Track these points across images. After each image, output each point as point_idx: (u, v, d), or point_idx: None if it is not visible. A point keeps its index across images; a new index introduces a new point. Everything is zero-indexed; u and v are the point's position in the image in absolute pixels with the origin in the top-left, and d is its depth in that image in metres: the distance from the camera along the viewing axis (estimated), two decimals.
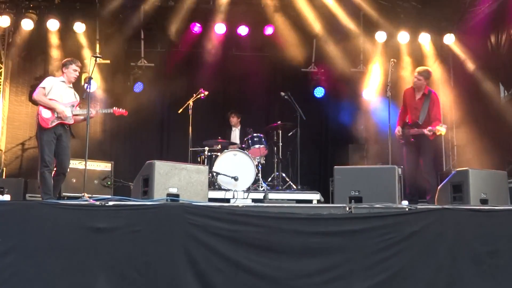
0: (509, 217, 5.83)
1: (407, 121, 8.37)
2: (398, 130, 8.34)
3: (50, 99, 7.61)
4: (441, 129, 7.82)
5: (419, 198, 8.14)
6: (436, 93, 8.47)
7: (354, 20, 11.48)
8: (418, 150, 8.19)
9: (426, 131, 7.89)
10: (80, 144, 8.18)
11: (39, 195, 9.26)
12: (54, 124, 7.53)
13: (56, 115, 7.58)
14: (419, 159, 8.17)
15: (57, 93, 7.70)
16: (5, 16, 10.73)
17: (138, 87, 11.77)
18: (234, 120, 11.17)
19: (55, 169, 7.59)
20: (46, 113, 7.55)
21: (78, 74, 7.97)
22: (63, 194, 8.97)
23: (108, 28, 11.39)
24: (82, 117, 7.90)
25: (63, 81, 7.83)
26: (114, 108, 8.18)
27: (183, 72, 11.93)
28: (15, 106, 11.53)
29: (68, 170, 7.90)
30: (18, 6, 10.96)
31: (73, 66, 7.80)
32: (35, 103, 7.88)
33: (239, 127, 11.17)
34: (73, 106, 7.78)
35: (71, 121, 7.72)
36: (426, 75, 8.32)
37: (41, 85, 7.73)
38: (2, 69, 11.32)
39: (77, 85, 11.07)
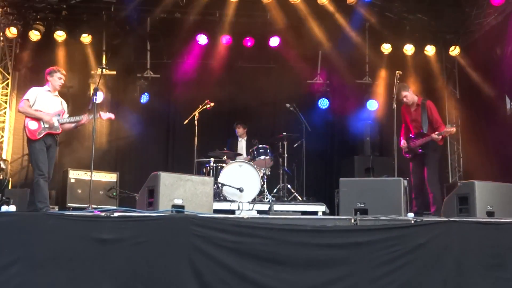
0: None
1: (410, 135, 8.38)
2: (403, 143, 8.35)
3: (36, 110, 7.59)
4: (449, 129, 7.90)
5: (425, 210, 8.11)
6: (430, 101, 8.47)
7: (360, 32, 11.51)
8: (423, 162, 8.19)
9: (434, 135, 7.91)
10: (86, 155, 8.19)
11: None
12: (42, 134, 7.50)
13: (43, 126, 7.54)
14: (424, 172, 8.16)
15: (42, 103, 7.66)
16: (13, 28, 10.80)
17: (144, 98, 11.80)
18: (240, 130, 11.17)
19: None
20: (32, 125, 7.51)
21: (63, 82, 7.90)
22: (69, 205, 8.98)
23: (114, 40, 11.42)
24: (72, 125, 7.88)
25: (49, 90, 7.77)
26: (100, 112, 8.10)
27: (189, 83, 11.95)
28: (21, 116, 11.52)
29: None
30: (26, 17, 11.04)
31: (58, 74, 7.77)
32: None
33: (245, 138, 11.16)
34: (59, 115, 7.74)
35: (59, 130, 7.70)
36: (404, 89, 8.30)
37: (25, 97, 7.71)
38: (9, 80, 11.38)
39: (84, 96, 11.22)
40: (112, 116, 8.24)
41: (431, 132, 8.08)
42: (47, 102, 7.70)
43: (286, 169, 10.32)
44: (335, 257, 5.51)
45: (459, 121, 11.62)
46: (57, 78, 7.77)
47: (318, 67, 12.30)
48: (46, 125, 7.55)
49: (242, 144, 11.07)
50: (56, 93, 7.90)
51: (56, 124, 7.63)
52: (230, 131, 11.39)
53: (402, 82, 8.44)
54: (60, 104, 7.90)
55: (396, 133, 7.91)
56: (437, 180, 8.19)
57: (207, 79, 11.67)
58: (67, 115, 7.85)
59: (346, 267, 5.49)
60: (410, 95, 8.34)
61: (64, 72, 7.92)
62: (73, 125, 7.89)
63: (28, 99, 7.63)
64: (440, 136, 7.95)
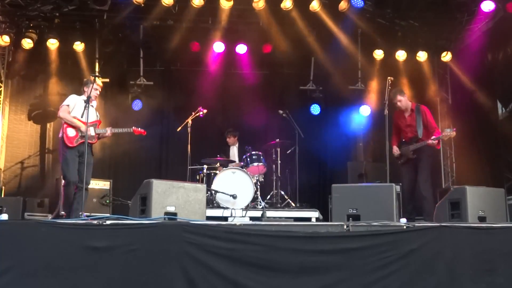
0: (507, 235, 5.82)
1: (403, 139, 8.40)
2: (395, 149, 8.37)
3: (74, 117, 7.67)
4: (450, 133, 7.88)
5: (417, 215, 8.13)
6: (424, 105, 8.51)
7: (352, 38, 11.56)
8: (416, 168, 8.21)
9: (430, 141, 7.92)
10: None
11: (38, 214, 9.32)
12: (78, 142, 7.61)
13: (80, 134, 7.63)
14: (416, 178, 8.18)
15: (79, 111, 7.65)
16: (5, 36, 10.79)
17: (137, 105, 11.80)
18: (231, 140, 11.17)
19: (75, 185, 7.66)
20: (71, 132, 7.63)
21: (98, 93, 7.94)
22: (62, 212, 8.96)
23: (107, 47, 11.43)
24: (105, 136, 8.00)
25: (85, 100, 7.69)
26: (134, 127, 8.25)
27: (182, 91, 11.99)
28: (14, 125, 11.56)
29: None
30: (18, 25, 11.03)
31: (94, 85, 7.73)
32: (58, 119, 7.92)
33: (236, 145, 11.17)
34: (95, 125, 7.84)
35: (94, 140, 7.81)
36: (399, 93, 8.37)
37: (65, 102, 7.79)
38: (2, 88, 11.36)
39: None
40: (143, 132, 8.37)
41: (426, 136, 8.10)
42: (84, 111, 7.62)
43: (279, 175, 10.34)
44: (327, 263, 5.50)
45: (451, 126, 11.64)
46: (93, 89, 7.73)
47: (311, 73, 12.37)
48: (83, 134, 7.58)
49: (234, 151, 11.09)
50: (93, 103, 7.93)
51: (93, 133, 7.74)
52: (223, 138, 11.38)
53: (398, 87, 8.50)
54: (96, 115, 7.98)
55: (389, 139, 7.91)
56: (430, 185, 8.22)
57: (200, 86, 11.69)
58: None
59: (339, 273, 5.48)
60: (404, 100, 8.38)
61: (100, 83, 7.95)
62: (105, 136, 8.01)
63: (68, 105, 7.74)
64: (436, 141, 7.97)
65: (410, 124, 8.33)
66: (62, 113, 7.72)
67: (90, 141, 7.64)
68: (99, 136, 7.94)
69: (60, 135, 7.74)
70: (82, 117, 7.50)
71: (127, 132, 8.31)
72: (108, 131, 7.88)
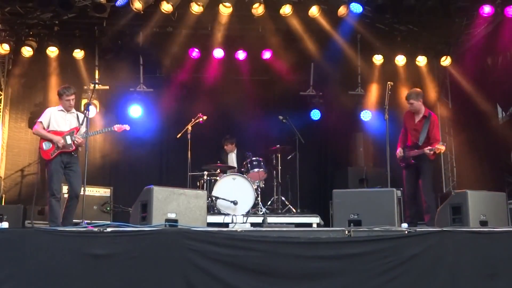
0: (509, 239, 5.79)
1: (407, 143, 8.37)
2: (399, 151, 8.31)
3: (49, 131, 7.80)
4: (441, 147, 7.86)
5: (419, 220, 8.11)
6: (435, 115, 8.47)
7: (352, 44, 11.58)
8: (417, 172, 8.18)
9: (426, 150, 7.90)
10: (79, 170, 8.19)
11: (38, 222, 9.31)
12: (55, 154, 7.69)
13: (56, 145, 7.70)
14: (418, 181, 8.16)
15: (55, 123, 7.88)
16: (5, 44, 10.80)
17: (137, 112, 11.80)
18: (229, 147, 11.11)
19: (67, 194, 7.78)
20: (46, 145, 7.76)
21: (72, 103, 7.99)
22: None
23: (107, 55, 11.45)
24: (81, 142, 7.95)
25: (62, 110, 7.96)
26: (115, 125, 8.29)
27: (182, 97, 11.98)
28: (14, 133, 11.56)
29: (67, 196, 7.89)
30: (18, 33, 11.05)
31: (65, 96, 7.89)
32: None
33: (235, 151, 11.15)
34: (72, 132, 7.85)
35: (72, 148, 7.79)
36: (415, 96, 8.26)
37: (39, 119, 7.95)
38: (2, 96, 11.37)
39: (77, 111, 11.20)
40: (127, 127, 8.40)
41: (426, 145, 8.06)
42: (59, 122, 7.91)
43: (280, 181, 10.33)
44: (329, 269, 5.49)
45: (451, 130, 11.67)
46: (65, 100, 7.90)
47: (311, 79, 12.38)
48: (59, 145, 7.68)
49: (232, 157, 11.06)
50: (72, 110, 8.03)
51: (69, 142, 7.78)
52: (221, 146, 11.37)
53: (418, 90, 8.43)
54: (76, 121, 7.99)
55: (389, 144, 7.89)
56: (432, 190, 8.18)
57: (199, 93, 11.72)
58: (85, 129, 7.90)
59: (341, 279, 5.47)
60: (417, 104, 8.25)
61: (72, 91, 7.98)
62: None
63: (41, 121, 7.89)
64: (432, 152, 7.91)
65: (416, 129, 8.26)
66: (34, 129, 7.97)
67: (67, 150, 7.75)
68: (77, 143, 7.90)
69: (38, 150, 7.92)
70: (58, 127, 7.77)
71: (110, 132, 8.42)
72: (104, 131, 8.22)
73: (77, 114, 8.08)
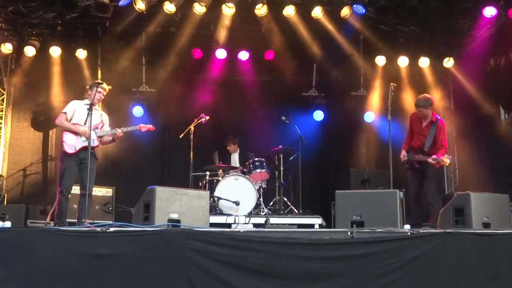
0: None
1: (413, 145, 8.32)
2: (403, 154, 8.23)
3: (73, 124, 7.64)
4: (446, 161, 7.82)
5: (423, 222, 8.09)
6: (443, 120, 8.43)
7: (354, 44, 11.57)
8: (422, 174, 8.15)
9: (430, 159, 7.85)
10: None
11: (41, 221, 9.30)
12: (79, 148, 7.54)
13: (80, 139, 7.58)
14: (423, 183, 8.14)
15: (79, 116, 7.66)
16: (8, 43, 10.82)
17: (140, 112, 11.80)
18: (231, 147, 11.07)
19: (79, 192, 7.64)
20: (69, 139, 7.57)
21: (102, 96, 7.82)
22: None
23: (109, 54, 11.46)
24: (109, 138, 7.92)
25: (87, 104, 7.59)
26: (140, 124, 8.14)
27: (184, 97, 11.97)
28: (17, 132, 11.57)
29: (70, 195, 7.81)
30: (21, 33, 11.06)
31: (98, 89, 7.66)
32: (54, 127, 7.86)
33: (238, 151, 11.13)
34: (97, 128, 7.76)
35: (96, 143, 7.72)
36: (425, 103, 8.20)
37: (63, 110, 7.77)
38: (5, 95, 11.39)
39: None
40: (152, 127, 8.25)
41: (432, 150, 8.03)
42: (83, 116, 7.57)
43: (282, 182, 10.33)
44: (331, 270, 5.48)
45: (454, 132, 11.65)
46: (96, 93, 7.62)
47: (313, 79, 12.39)
48: (83, 139, 7.56)
49: (235, 158, 11.04)
50: (96, 106, 7.90)
51: (93, 137, 7.58)
52: (224, 146, 11.35)
53: (428, 98, 8.34)
54: (100, 117, 7.90)
55: (392, 145, 7.87)
56: (437, 192, 8.19)
57: (202, 93, 11.71)
58: (108, 128, 7.86)
59: (343, 280, 5.46)
60: (425, 111, 8.19)
61: (105, 86, 7.82)
62: (110, 138, 7.93)
63: (66, 112, 7.69)
64: (435, 161, 7.87)
65: (423, 133, 8.21)
66: (58, 120, 7.74)
67: (92, 145, 7.45)
68: (102, 139, 7.86)
69: (60, 143, 7.74)
70: (85, 122, 7.47)
71: (135, 130, 8.14)
72: (119, 131, 7.77)
73: (100, 112, 7.98)
